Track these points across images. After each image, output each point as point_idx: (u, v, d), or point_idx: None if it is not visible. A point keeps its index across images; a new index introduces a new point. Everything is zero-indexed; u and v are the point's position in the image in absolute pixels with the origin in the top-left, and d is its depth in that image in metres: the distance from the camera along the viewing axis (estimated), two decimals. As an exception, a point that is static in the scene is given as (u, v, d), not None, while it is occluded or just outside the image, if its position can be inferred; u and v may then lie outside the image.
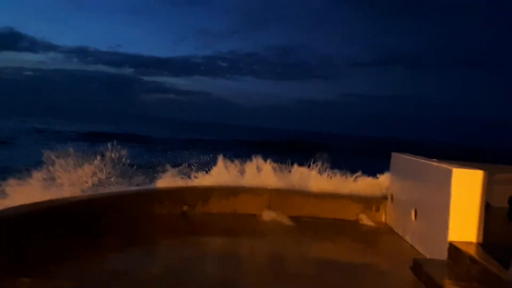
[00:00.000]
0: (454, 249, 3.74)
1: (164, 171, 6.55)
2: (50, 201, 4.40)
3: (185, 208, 5.76)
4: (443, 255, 3.87)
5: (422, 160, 4.87)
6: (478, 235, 3.83)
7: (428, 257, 4.30)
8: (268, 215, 5.95)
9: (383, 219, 6.30)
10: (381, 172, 6.74)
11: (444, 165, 4.11)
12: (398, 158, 5.99)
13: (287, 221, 5.79)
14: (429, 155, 5.74)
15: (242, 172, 6.77)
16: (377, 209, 6.36)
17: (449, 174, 3.88)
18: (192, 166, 6.90)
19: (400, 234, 5.47)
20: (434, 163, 4.39)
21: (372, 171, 7.01)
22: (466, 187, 3.81)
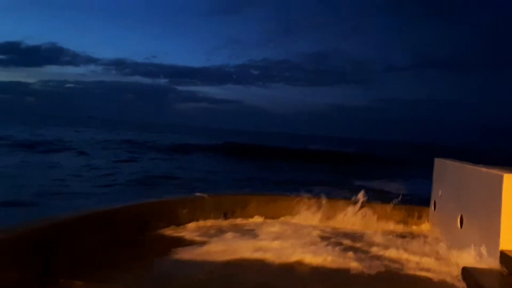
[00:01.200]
0: (506, 258, 3.59)
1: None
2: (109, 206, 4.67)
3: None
4: (494, 264, 3.72)
5: (468, 166, 4.72)
6: None
7: (477, 266, 4.14)
8: None
9: (426, 227, 6.13)
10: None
11: (494, 171, 3.96)
12: (442, 164, 5.83)
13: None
14: (470, 160, 5.56)
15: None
16: (419, 217, 6.20)
17: (500, 180, 3.74)
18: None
19: (444, 242, 5.30)
20: (483, 169, 4.24)
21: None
22: None
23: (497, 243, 3.71)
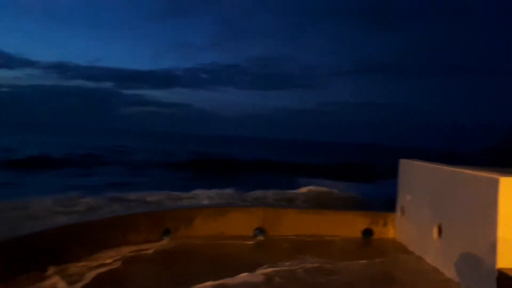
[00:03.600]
0: (505, 279, 2.98)
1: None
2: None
3: None
4: (490, 284, 3.10)
5: (447, 168, 4.13)
6: None
7: (464, 284, 3.54)
8: None
9: (392, 235, 5.55)
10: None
11: (485, 174, 3.36)
12: (410, 166, 5.25)
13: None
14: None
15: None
16: (385, 224, 5.60)
17: (494, 184, 3.14)
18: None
19: (416, 253, 4.72)
20: (469, 171, 3.65)
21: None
22: None
23: (493, 260, 3.10)
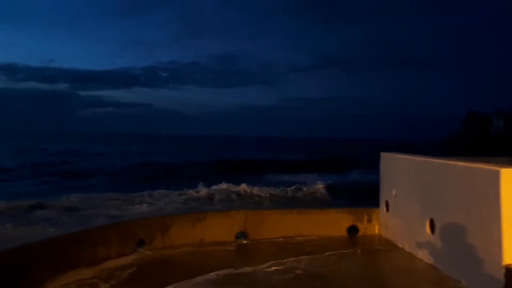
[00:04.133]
0: None
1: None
2: None
3: None
4: (496, 281, 2.95)
5: (438, 161, 3.98)
6: None
7: (466, 281, 3.39)
8: None
9: (377, 231, 5.40)
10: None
11: (482, 165, 3.22)
12: (392, 160, 5.11)
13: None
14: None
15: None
16: (369, 220, 5.45)
17: (494, 176, 2.99)
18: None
19: (406, 249, 4.57)
20: (461, 163, 3.50)
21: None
22: None
23: (499, 256, 2.95)
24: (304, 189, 17.35)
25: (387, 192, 5.19)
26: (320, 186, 17.25)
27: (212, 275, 3.74)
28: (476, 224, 3.25)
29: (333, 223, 5.33)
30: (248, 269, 3.96)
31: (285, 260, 4.18)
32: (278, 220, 5.21)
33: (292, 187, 16.91)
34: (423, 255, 4.16)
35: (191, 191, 14.83)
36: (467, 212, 3.37)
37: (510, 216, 2.92)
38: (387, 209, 5.17)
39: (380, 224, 5.38)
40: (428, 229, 4.06)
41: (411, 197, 4.47)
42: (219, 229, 4.97)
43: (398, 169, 4.90)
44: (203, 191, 15.26)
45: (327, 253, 4.53)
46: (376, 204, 5.53)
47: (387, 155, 5.29)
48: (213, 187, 15.71)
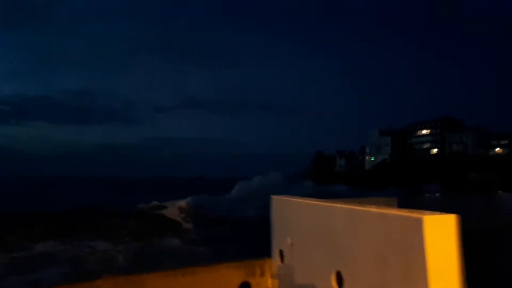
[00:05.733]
0: None
1: None
2: None
3: None
4: None
5: (343, 206, 3.65)
6: None
7: None
8: None
9: (270, 285, 4.86)
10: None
11: (396, 212, 2.95)
12: (287, 204, 4.70)
13: None
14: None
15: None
16: (262, 273, 4.89)
17: (417, 224, 2.72)
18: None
19: None
20: (373, 209, 3.21)
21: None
22: (443, 241, 2.72)
23: None
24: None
25: (280, 240, 4.73)
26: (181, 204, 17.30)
27: None
28: (395, 277, 2.93)
29: (224, 281, 4.60)
30: None
31: None
32: (159, 286, 4.24)
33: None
34: None
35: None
36: (384, 264, 3.04)
37: (436, 271, 2.65)
38: (282, 260, 4.69)
39: (273, 277, 4.85)
40: (334, 283, 3.66)
41: (312, 246, 4.06)
42: None
43: (293, 215, 4.50)
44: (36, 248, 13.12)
45: None
46: (267, 254, 5.03)
47: (279, 199, 4.88)
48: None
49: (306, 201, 4.32)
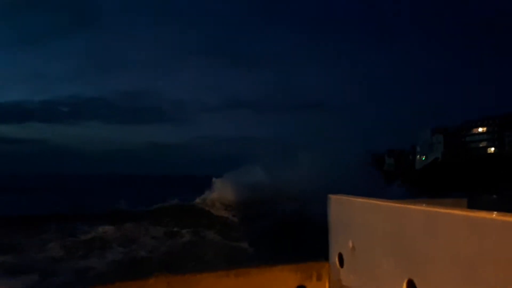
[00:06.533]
0: None
1: None
2: None
3: None
4: None
5: (416, 207, 3.25)
6: None
7: None
8: None
9: None
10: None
11: (484, 215, 2.53)
12: (349, 204, 4.34)
13: None
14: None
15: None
16: (319, 278, 4.56)
17: (509, 229, 2.30)
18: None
19: None
20: (457, 212, 2.80)
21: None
22: None
23: None
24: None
25: (340, 243, 4.38)
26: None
27: None
28: None
29: (278, 285, 4.33)
30: None
31: None
32: (212, 286, 4.04)
33: None
34: None
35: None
36: (473, 274, 2.63)
37: None
38: (341, 264, 4.34)
39: (331, 282, 4.51)
40: None
41: (379, 251, 3.68)
42: None
43: (356, 216, 4.13)
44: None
45: None
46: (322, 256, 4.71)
47: (338, 199, 4.52)
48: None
49: (371, 201, 3.94)
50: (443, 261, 2.90)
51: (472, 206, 4.78)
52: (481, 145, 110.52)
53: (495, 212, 2.57)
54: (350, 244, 4.14)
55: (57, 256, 13.93)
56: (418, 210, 3.19)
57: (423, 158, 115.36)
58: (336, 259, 4.40)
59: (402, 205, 3.40)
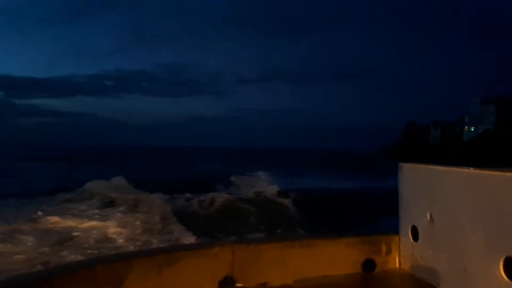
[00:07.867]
0: None
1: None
2: None
3: None
4: None
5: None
6: None
7: None
8: None
9: (397, 265, 4.22)
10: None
11: None
12: (422, 173, 3.94)
13: None
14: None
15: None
16: (388, 252, 4.25)
17: None
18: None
19: None
20: None
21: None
22: None
23: None
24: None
25: (414, 215, 4.01)
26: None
27: None
28: None
29: (345, 258, 4.06)
30: None
31: None
32: (277, 257, 3.84)
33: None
34: None
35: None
36: None
37: None
38: (414, 238, 3.99)
39: (403, 257, 4.19)
40: (502, 272, 2.90)
41: (467, 225, 3.29)
42: (195, 276, 3.51)
43: (436, 186, 3.72)
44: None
45: None
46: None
47: (412, 167, 4.13)
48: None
49: (456, 169, 3.52)
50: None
51: None
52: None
53: None
54: (428, 217, 3.76)
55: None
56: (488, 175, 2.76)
57: (472, 129, 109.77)
58: (409, 232, 4.05)
59: (500, 173, 2.97)
